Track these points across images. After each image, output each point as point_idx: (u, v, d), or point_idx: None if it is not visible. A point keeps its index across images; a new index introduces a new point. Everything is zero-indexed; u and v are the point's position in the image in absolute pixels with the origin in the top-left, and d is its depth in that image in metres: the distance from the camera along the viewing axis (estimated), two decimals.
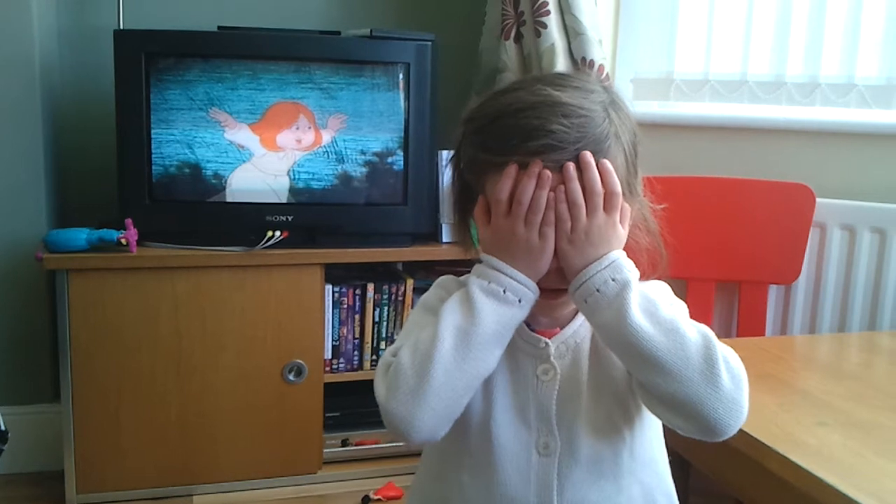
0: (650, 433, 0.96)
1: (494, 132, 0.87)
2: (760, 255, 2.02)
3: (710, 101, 2.23)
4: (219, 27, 2.01)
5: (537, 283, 0.88)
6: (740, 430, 1.11)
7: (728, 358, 0.83)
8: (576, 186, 0.85)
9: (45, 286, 2.08)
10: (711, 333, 0.84)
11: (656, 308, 0.84)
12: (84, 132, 2.22)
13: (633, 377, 0.87)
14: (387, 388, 0.85)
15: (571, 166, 0.84)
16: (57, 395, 2.00)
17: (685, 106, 2.26)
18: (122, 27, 2.09)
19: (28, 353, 2.11)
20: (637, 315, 0.82)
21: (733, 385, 0.82)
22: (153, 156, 1.93)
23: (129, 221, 1.88)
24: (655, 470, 0.97)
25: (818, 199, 1.99)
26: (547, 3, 2.11)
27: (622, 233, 0.88)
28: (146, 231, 1.93)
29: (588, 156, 0.85)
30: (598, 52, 2.13)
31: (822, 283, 2.02)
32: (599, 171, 0.85)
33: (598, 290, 0.84)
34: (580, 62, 2.13)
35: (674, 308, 0.88)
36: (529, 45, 2.18)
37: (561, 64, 2.12)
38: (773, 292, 2.07)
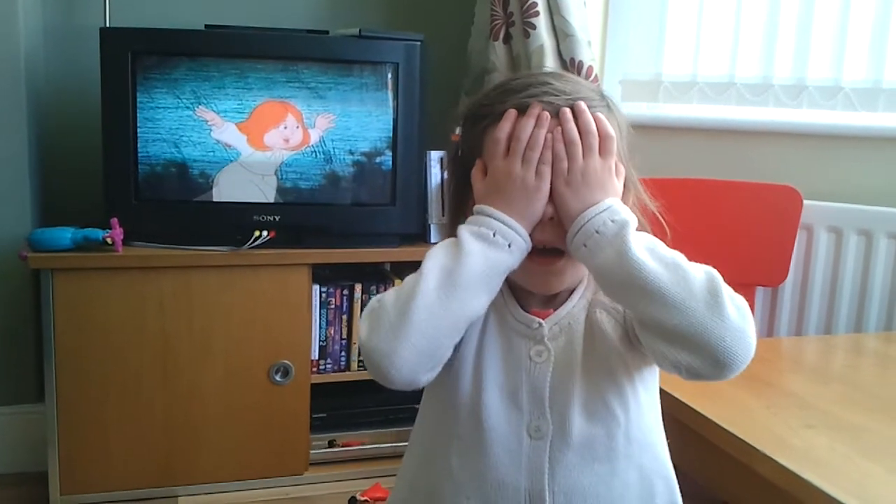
0: (649, 418, 0.95)
1: (493, 91, 0.93)
2: (747, 257, 2.03)
3: (698, 103, 2.24)
4: (206, 26, 1.99)
5: (533, 238, 0.87)
6: (727, 433, 1.12)
7: (732, 293, 0.82)
8: (572, 127, 0.87)
9: (29, 286, 2.06)
10: (715, 271, 0.83)
11: (657, 245, 0.84)
12: (70, 130, 2.20)
13: (636, 319, 0.85)
14: (369, 326, 0.85)
15: (567, 110, 0.88)
16: (41, 395, 1.98)
17: (673, 108, 2.27)
18: (108, 25, 2.08)
19: (12, 353, 2.09)
20: (639, 250, 0.82)
21: (739, 316, 0.80)
22: (139, 154, 1.92)
23: (114, 220, 1.87)
24: (654, 454, 0.96)
25: (805, 202, 2.00)
26: (536, 4, 2.11)
27: (617, 184, 0.89)
28: (132, 230, 1.91)
29: (582, 104, 0.88)
30: (587, 54, 2.13)
31: (808, 285, 2.03)
32: (594, 119, 0.88)
33: (597, 232, 0.84)
34: (569, 63, 2.13)
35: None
36: (518, 46, 2.18)
37: (550, 65, 2.12)
38: (760, 294, 2.08)
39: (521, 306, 0.93)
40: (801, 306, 2.05)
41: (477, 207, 0.89)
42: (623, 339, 0.91)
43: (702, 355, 0.80)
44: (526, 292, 0.94)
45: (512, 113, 0.88)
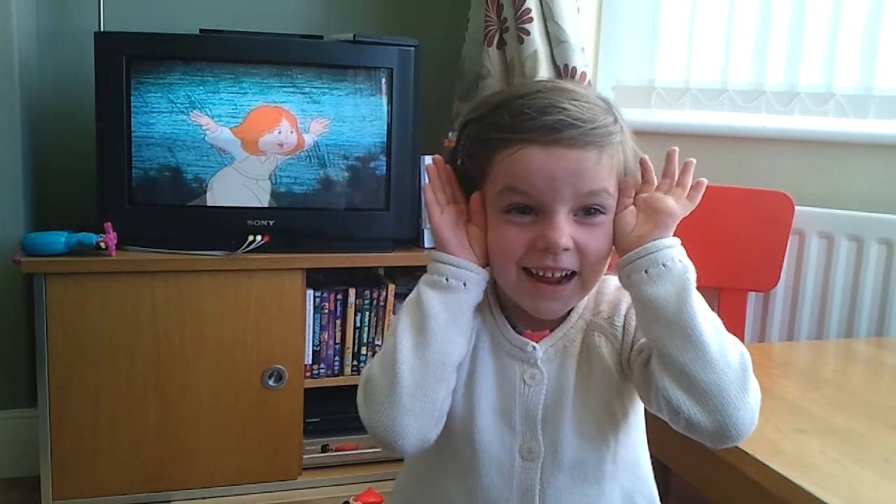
0: (634, 437, 0.95)
1: (506, 111, 0.87)
2: (739, 263, 2.04)
3: (691, 109, 2.25)
4: (200, 30, 2.00)
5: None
6: None
7: (753, 376, 0.83)
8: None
9: (22, 290, 2.06)
10: (747, 350, 0.84)
11: (706, 305, 0.84)
12: (63, 134, 2.20)
13: (661, 357, 0.83)
14: (364, 400, 0.86)
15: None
16: (33, 399, 1.98)
17: (666, 114, 2.27)
18: (102, 29, 2.08)
19: (4, 357, 2.09)
20: (696, 300, 0.82)
21: (755, 399, 0.82)
22: (133, 159, 1.92)
23: (108, 225, 1.87)
24: (637, 473, 0.97)
25: (797, 207, 2.01)
26: (530, 11, 2.12)
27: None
28: (125, 235, 1.91)
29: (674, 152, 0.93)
30: (581, 60, 2.14)
31: (800, 290, 2.03)
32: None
33: (664, 265, 0.84)
34: (562, 69, 2.14)
35: None
36: (512, 52, 2.18)
37: (543, 71, 2.13)
38: (752, 299, 2.09)
39: (513, 326, 0.92)
40: (792, 311, 2.05)
41: (428, 253, 0.90)
42: (618, 366, 0.91)
43: (712, 417, 0.80)
44: (520, 311, 0.92)
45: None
